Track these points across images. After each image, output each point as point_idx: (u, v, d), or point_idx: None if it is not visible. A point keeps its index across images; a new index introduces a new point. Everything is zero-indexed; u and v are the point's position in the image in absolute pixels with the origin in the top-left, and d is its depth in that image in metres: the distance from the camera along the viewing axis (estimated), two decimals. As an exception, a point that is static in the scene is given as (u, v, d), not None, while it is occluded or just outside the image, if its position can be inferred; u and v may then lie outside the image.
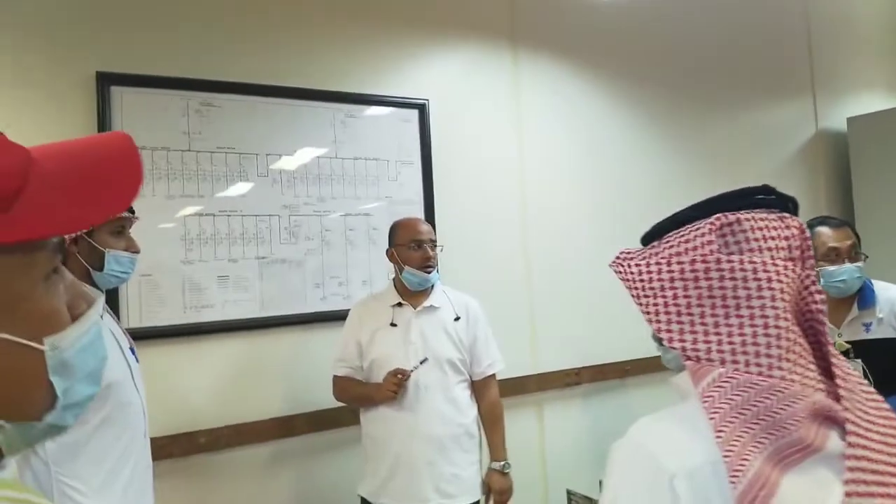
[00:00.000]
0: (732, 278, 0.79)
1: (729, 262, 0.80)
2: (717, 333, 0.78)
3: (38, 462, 1.44)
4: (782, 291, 0.78)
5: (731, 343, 0.77)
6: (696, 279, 0.80)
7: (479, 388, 2.32)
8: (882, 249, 3.96)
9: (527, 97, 3.13)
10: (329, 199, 2.59)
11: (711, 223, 0.83)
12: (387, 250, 2.33)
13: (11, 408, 0.50)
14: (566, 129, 3.24)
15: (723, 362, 0.77)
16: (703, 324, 0.79)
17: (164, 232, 2.30)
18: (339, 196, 2.61)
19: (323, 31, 2.63)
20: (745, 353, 0.77)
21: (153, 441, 2.18)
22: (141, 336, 2.21)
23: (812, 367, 0.78)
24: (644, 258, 0.87)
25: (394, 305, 2.26)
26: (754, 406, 0.73)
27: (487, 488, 2.27)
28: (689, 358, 0.80)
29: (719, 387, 0.76)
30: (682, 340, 0.80)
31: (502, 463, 2.29)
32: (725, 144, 3.76)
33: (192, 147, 2.36)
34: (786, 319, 0.77)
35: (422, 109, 2.81)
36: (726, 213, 0.84)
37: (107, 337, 1.57)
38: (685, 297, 0.81)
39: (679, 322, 0.80)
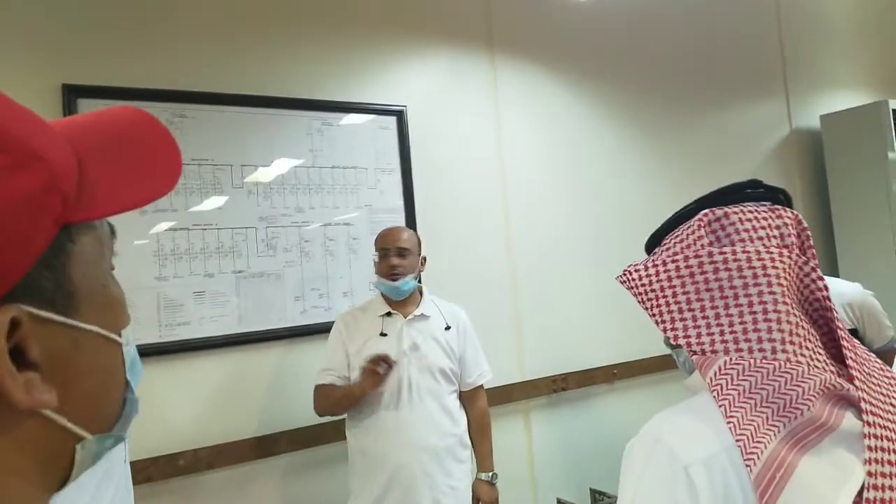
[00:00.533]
0: (727, 269, 0.80)
1: (721, 253, 0.81)
2: (720, 325, 0.80)
3: None
4: (778, 277, 0.79)
5: (732, 332, 0.78)
6: (692, 274, 0.82)
7: (468, 398, 2.29)
8: (857, 245, 4.01)
9: (506, 101, 3.11)
10: (307, 210, 2.53)
11: (700, 219, 0.86)
12: (374, 259, 2.29)
13: (96, 414, 0.44)
14: (546, 133, 3.22)
15: (727, 352, 0.78)
16: (704, 317, 0.81)
17: (137, 249, 2.23)
18: (318, 206, 2.55)
19: (296, 40, 2.58)
20: (747, 340, 0.78)
21: (133, 465, 2.11)
22: (115, 357, 2.14)
23: (820, 350, 0.78)
24: (645, 265, 0.88)
25: (382, 315, 2.21)
26: (763, 389, 0.73)
27: (476, 499, 2.23)
28: (695, 352, 0.81)
29: (726, 374, 0.76)
30: (686, 336, 0.81)
31: (490, 474, 2.27)
32: (702, 145, 3.77)
33: (163, 159, 2.28)
34: (784, 304, 0.78)
35: (400, 116, 2.76)
36: (713, 209, 0.86)
37: None
38: (684, 293, 0.82)
39: (682, 319, 0.82)
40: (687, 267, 0.83)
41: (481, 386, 2.32)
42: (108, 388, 0.46)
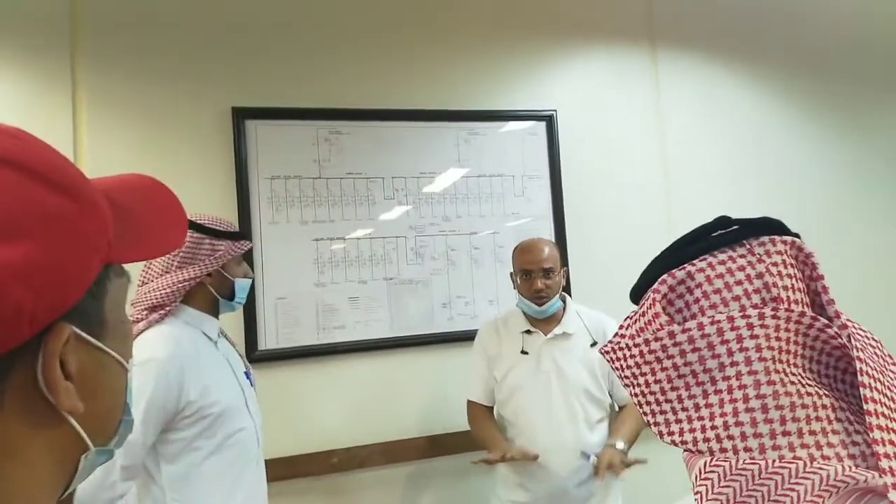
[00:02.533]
0: (695, 349, 0.63)
1: (685, 331, 0.64)
2: (700, 418, 0.63)
3: (156, 489, 1.52)
4: (759, 349, 0.61)
5: (714, 428, 0.62)
6: (659, 360, 0.66)
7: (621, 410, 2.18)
8: None
9: (669, 100, 2.93)
10: (454, 219, 2.57)
11: (655, 289, 0.69)
12: (510, 272, 2.23)
13: (103, 429, 0.51)
14: (715, 132, 2.99)
15: (711, 452, 0.61)
16: (684, 409, 0.65)
17: (298, 256, 2.40)
18: (464, 215, 2.58)
19: (440, 52, 2.63)
20: (730, 437, 0.61)
21: (289, 460, 2.28)
22: (277, 357, 2.32)
23: (838, 424, 0.59)
24: (617, 342, 0.72)
25: (523, 332, 2.14)
26: (750, 497, 0.57)
27: (591, 454, 2.04)
28: (686, 449, 0.65)
29: (708, 477, 0.60)
30: (670, 433, 0.65)
31: (622, 441, 2.04)
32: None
33: (322, 174, 2.44)
34: (771, 384, 0.60)
35: (549, 121, 2.71)
36: (673, 272, 0.69)
37: (221, 363, 1.63)
38: (656, 381, 0.66)
39: (662, 412, 0.66)
40: (651, 352, 0.66)
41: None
42: (116, 407, 0.53)
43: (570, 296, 2.63)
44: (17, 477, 0.44)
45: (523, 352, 2.11)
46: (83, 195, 0.46)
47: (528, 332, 2.14)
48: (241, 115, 2.34)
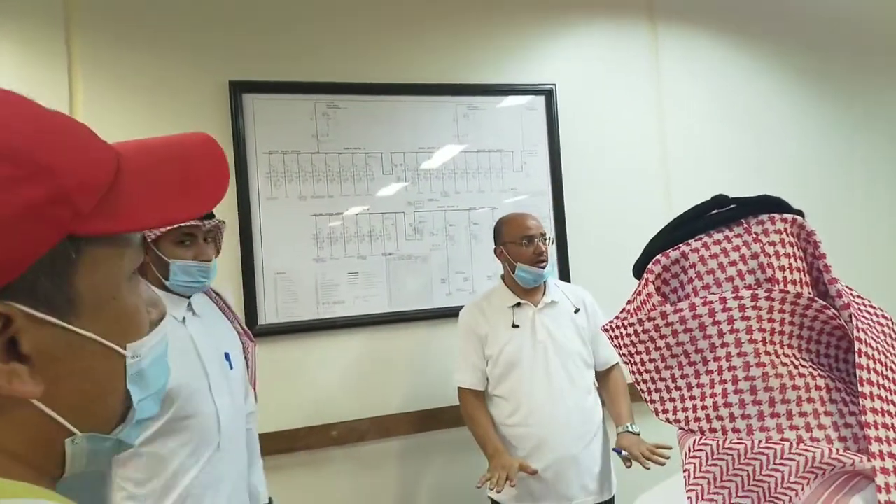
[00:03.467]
0: (687, 329, 0.63)
1: (676, 311, 0.64)
2: (692, 398, 0.64)
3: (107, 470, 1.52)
4: (750, 330, 0.60)
5: (704, 408, 0.62)
6: (652, 339, 0.66)
7: (602, 375, 2.23)
8: None
9: (668, 75, 2.91)
10: (453, 194, 2.57)
11: (650, 269, 0.69)
12: (494, 249, 2.22)
13: (87, 414, 0.48)
14: (714, 107, 2.97)
15: (702, 431, 0.62)
16: (677, 388, 0.65)
17: (297, 232, 2.40)
18: (463, 190, 2.58)
19: (438, 25, 2.60)
20: (719, 417, 0.61)
21: (290, 433, 2.30)
22: (277, 332, 2.33)
23: (832, 406, 0.59)
24: (615, 321, 0.73)
25: (512, 306, 2.16)
26: (736, 476, 0.58)
27: (622, 450, 2.09)
28: (680, 428, 0.66)
29: (695, 456, 0.61)
30: (665, 411, 0.66)
31: (633, 425, 2.12)
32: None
33: (320, 149, 2.43)
34: (761, 365, 0.59)
35: (548, 95, 2.69)
36: (668, 252, 0.68)
37: (181, 343, 1.56)
38: (651, 360, 0.67)
39: (657, 390, 0.67)
40: (644, 331, 0.67)
41: (616, 364, 2.22)
42: (104, 393, 0.49)
43: (570, 270, 2.66)
44: None
45: (514, 325, 2.13)
46: (24, 159, 0.42)
47: (517, 305, 2.16)
48: (239, 89, 2.32)
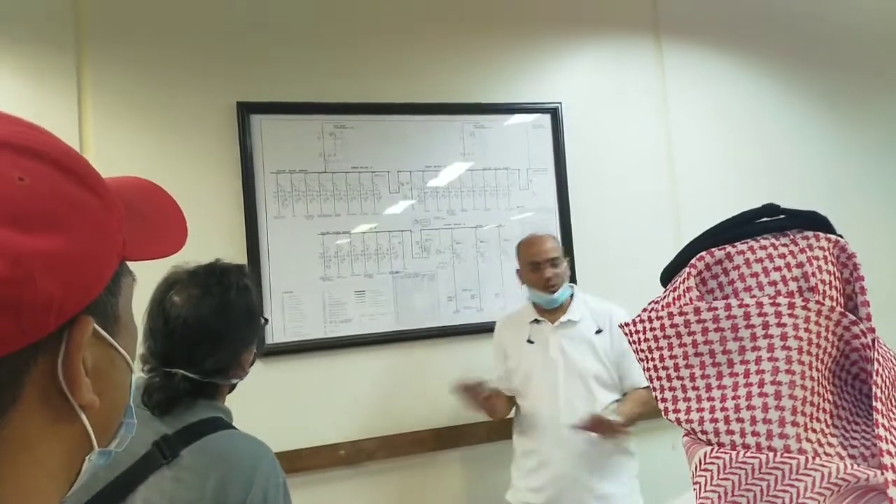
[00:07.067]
0: (718, 328, 0.63)
1: (710, 309, 0.63)
2: (710, 399, 0.63)
3: None
4: (785, 337, 0.59)
5: (724, 410, 0.61)
6: (679, 335, 0.65)
7: None
8: None
9: (674, 92, 2.92)
10: (459, 212, 2.57)
11: (693, 264, 0.68)
12: (516, 269, 2.30)
13: (107, 430, 0.50)
14: (720, 123, 2.98)
15: (717, 433, 0.61)
16: (694, 388, 0.64)
17: (304, 250, 2.40)
18: (470, 208, 2.59)
19: (445, 44, 2.62)
20: (739, 420, 0.60)
21: (297, 453, 2.28)
22: (284, 351, 2.33)
23: (835, 429, 0.59)
24: (640, 315, 0.72)
25: (531, 322, 2.22)
26: (748, 491, 0.56)
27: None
28: (686, 432, 0.65)
29: (706, 469, 0.60)
30: (676, 410, 0.65)
31: (613, 411, 2.08)
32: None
33: (327, 168, 2.45)
34: (790, 373, 0.58)
35: (554, 114, 2.70)
36: (713, 250, 0.68)
37: None
38: (671, 357, 0.66)
39: (671, 388, 0.66)
40: (672, 326, 0.66)
41: (647, 388, 2.20)
42: (121, 406, 0.52)
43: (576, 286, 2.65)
44: (28, 472, 0.43)
45: (529, 341, 2.18)
46: (105, 192, 0.47)
47: (536, 321, 2.20)
48: (247, 110, 2.34)
